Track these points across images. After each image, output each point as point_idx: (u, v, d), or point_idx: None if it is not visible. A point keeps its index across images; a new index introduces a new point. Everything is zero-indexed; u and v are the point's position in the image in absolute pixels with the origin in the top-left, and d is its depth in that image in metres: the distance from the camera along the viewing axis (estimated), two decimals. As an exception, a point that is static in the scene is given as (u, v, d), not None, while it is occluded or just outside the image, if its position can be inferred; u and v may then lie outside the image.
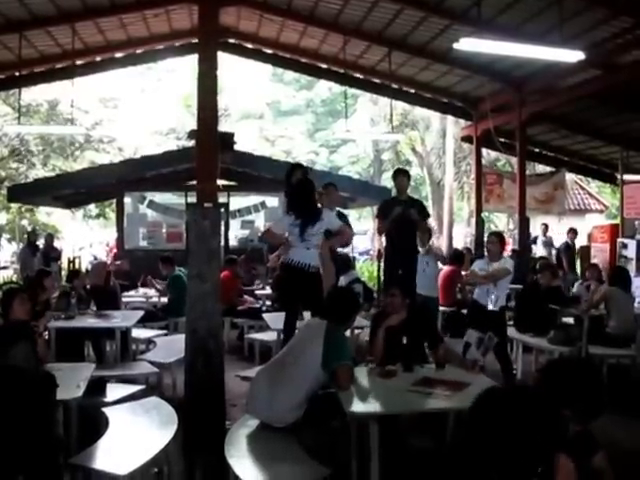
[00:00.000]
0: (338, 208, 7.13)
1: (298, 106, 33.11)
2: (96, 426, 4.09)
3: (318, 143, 32.03)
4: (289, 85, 32.72)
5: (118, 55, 12.14)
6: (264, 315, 7.55)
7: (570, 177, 19.84)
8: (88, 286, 7.65)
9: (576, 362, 2.71)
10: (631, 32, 8.66)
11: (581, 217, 24.15)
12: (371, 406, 3.80)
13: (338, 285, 6.66)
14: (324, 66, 12.85)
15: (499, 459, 1.82)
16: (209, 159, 5.24)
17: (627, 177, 14.06)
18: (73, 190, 14.21)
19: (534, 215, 13.77)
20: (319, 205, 5.91)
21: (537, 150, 15.50)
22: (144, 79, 29.47)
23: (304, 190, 5.71)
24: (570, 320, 7.89)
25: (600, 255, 13.73)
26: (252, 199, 14.23)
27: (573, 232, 13.90)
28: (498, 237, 6.88)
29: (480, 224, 13.16)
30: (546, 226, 14.48)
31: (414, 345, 4.79)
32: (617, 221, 15.33)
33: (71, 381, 4.10)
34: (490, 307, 6.46)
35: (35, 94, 18.83)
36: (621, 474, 2.44)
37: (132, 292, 10.25)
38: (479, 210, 13.40)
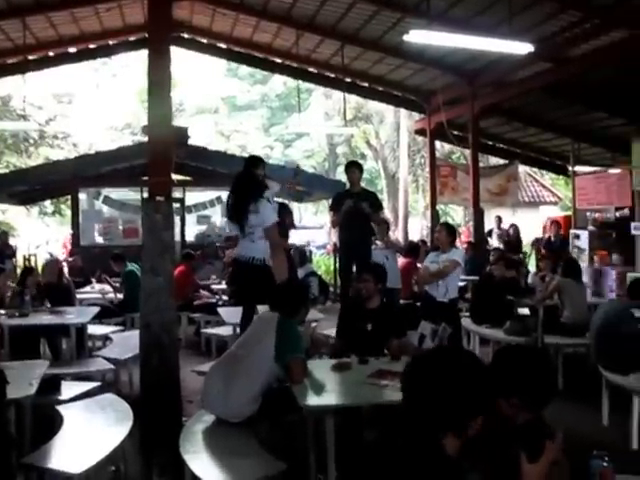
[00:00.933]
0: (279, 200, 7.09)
1: (253, 101, 33.01)
2: (50, 425, 4.04)
3: (273, 137, 32.02)
4: (244, 80, 32.57)
5: (71, 50, 11.93)
6: (220, 310, 7.50)
7: (524, 170, 20.19)
8: (42, 283, 7.52)
9: (523, 350, 2.66)
10: (579, 26, 8.85)
11: (535, 209, 24.62)
12: (326, 399, 3.77)
13: (289, 277, 6.69)
14: (278, 60, 12.83)
15: (436, 413, 1.89)
16: (161, 153, 5.19)
17: (578, 169, 14.34)
18: (27, 187, 13.91)
19: (488, 207, 13.96)
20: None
21: (490, 143, 15.72)
22: (99, 74, 29.02)
23: (244, 191, 5.70)
24: (525, 311, 8.08)
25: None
26: (208, 194, 14.13)
27: (556, 225, 12.66)
28: (445, 227, 6.95)
29: (435, 216, 13.32)
30: (500, 218, 14.69)
31: (380, 335, 4.79)
32: (568, 213, 15.65)
33: (23, 379, 4.02)
34: (439, 299, 6.54)
35: (-14, 90, 18.46)
36: (577, 461, 2.49)
37: (88, 288, 10.13)
38: (434, 202, 13.56)
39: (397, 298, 8.11)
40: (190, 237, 14.13)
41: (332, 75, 12.95)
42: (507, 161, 15.56)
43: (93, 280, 10.57)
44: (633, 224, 10.65)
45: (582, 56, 9.54)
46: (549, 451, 2.08)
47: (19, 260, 14.83)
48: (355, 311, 5.11)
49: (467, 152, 15.68)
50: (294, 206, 28.71)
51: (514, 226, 13.78)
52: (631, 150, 11.22)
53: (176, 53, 11.07)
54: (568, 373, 6.42)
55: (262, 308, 5.95)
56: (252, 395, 3.89)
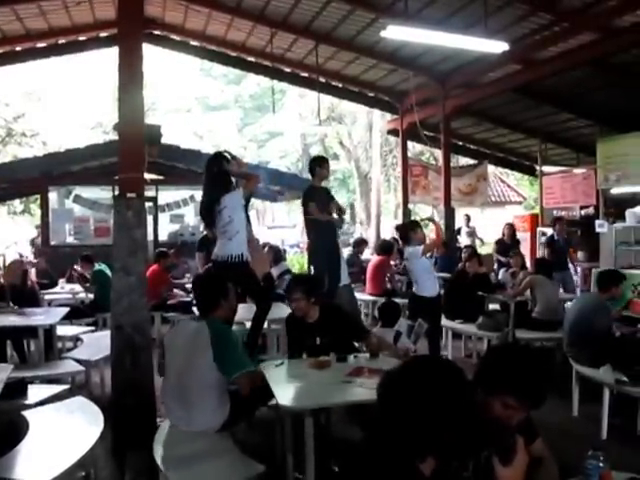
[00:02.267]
0: None
1: (226, 101, 32.83)
2: (16, 431, 3.90)
3: (247, 138, 31.87)
4: (217, 80, 32.39)
5: (39, 45, 11.62)
6: (195, 309, 7.44)
7: (491, 170, 20.40)
8: (4, 285, 7.35)
9: (518, 349, 2.57)
10: (548, 28, 8.97)
11: (502, 208, 25.19)
12: (305, 399, 3.76)
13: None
14: (252, 59, 12.73)
15: (411, 430, 1.85)
16: (133, 149, 5.11)
17: (545, 169, 14.55)
18: (-6, 185, 13.67)
19: (458, 206, 14.07)
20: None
21: (460, 143, 15.87)
22: (69, 71, 28.60)
23: (214, 188, 5.65)
24: (496, 306, 8.22)
25: (522, 244, 14.15)
26: (181, 193, 14.03)
27: (560, 223, 10.93)
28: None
29: (407, 215, 13.39)
30: (468, 217, 14.85)
31: (331, 345, 4.60)
32: (535, 212, 15.84)
33: (-14, 383, 3.89)
34: (428, 295, 6.73)
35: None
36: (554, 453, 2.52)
37: (58, 288, 10.01)
38: (406, 201, 13.64)
39: (347, 293, 7.97)
40: (163, 236, 14.01)
41: (306, 75, 12.91)
42: (477, 161, 15.68)
43: (60, 281, 10.41)
44: (597, 222, 10.86)
45: (551, 58, 9.67)
46: (521, 453, 2.06)
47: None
48: (299, 329, 4.80)
49: (437, 152, 15.80)
50: (267, 205, 28.77)
51: (509, 225, 13.14)
52: (596, 150, 11.44)
53: (149, 52, 10.90)
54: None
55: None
56: (213, 407, 3.74)
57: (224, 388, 3.83)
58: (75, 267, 9.55)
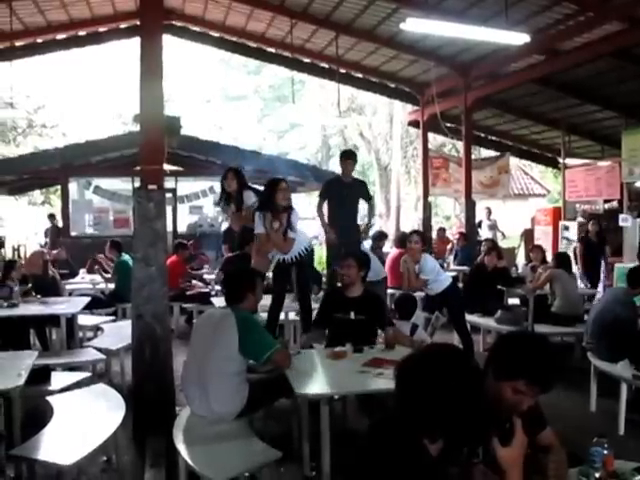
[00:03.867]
0: None
1: (246, 91, 32.85)
2: (40, 415, 3.99)
3: (266, 128, 31.86)
4: (237, 70, 32.41)
5: (60, 37, 11.72)
6: (213, 300, 7.50)
7: (514, 162, 20.28)
8: (27, 275, 7.43)
9: (525, 335, 2.69)
10: (573, 18, 8.85)
11: (525, 201, 24.87)
12: (322, 387, 3.78)
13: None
14: (271, 50, 12.73)
15: (426, 417, 1.92)
16: (153, 141, 5.13)
17: (568, 161, 14.40)
18: (15, 176, 13.81)
19: (480, 199, 14.00)
20: None
21: (482, 135, 15.74)
22: (89, 62, 28.81)
23: None
24: (516, 300, 8.17)
25: (543, 237, 14.07)
26: (200, 184, 14.09)
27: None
28: (420, 236, 6.86)
29: (427, 207, 13.34)
30: (489, 210, 14.76)
31: (364, 323, 4.77)
32: (559, 205, 15.72)
33: (12, 370, 3.97)
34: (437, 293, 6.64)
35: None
36: (568, 446, 2.52)
37: (78, 278, 10.08)
38: (426, 194, 13.56)
39: (383, 288, 8.08)
40: (182, 228, 14.08)
41: (326, 66, 12.89)
42: (498, 153, 15.57)
43: (81, 271, 10.49)
44: (621, 216, 10.73)
45: (575, 49, 9.55)
46: (520, 433, 2.08)
47: (8, 251, 14.76)
48: (336, 301, 4.98)
49: (458, 144, 15.69)
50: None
51: (594, 220, 11.61)
52: (622, 143, 11.27)
53: (169, 42, 10.93)
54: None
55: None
56: (230, 392, 3.79)
57: (243, 376, 3.90)
58: (99, 256, 9.54)
